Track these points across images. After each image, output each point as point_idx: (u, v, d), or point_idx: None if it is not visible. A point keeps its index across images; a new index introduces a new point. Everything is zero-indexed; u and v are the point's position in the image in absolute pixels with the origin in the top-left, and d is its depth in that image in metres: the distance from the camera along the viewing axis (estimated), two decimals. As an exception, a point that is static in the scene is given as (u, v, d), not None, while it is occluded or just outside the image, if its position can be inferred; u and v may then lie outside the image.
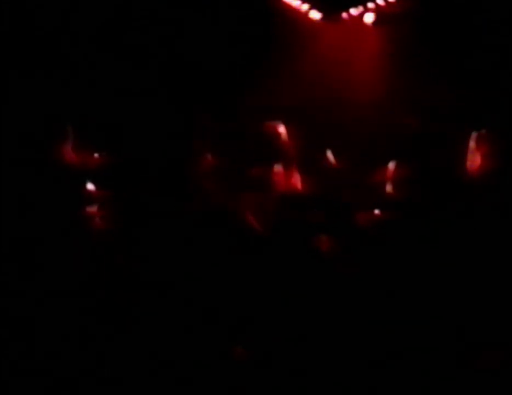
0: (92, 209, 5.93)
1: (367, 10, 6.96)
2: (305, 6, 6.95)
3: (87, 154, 6.08)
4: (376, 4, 6.94)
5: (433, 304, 5.39)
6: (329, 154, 6.26)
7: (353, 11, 6.96)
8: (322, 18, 6.96)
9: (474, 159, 5.86)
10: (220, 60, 6.71)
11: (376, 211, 5.89)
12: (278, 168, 6.10)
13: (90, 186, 6.00)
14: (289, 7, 6.90)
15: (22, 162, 5.97)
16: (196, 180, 6.09)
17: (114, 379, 5.27)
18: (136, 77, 6.53)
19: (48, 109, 6.15)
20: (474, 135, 5.89)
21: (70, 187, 5.96)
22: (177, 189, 6.08)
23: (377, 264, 5.55)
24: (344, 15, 6.95)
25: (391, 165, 5.95)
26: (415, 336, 5.26)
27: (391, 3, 6.87)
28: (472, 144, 5.88)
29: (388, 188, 5.92)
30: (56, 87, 6.27)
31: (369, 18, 6.98)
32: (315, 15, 6.97)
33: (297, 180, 6.02)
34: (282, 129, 6.28)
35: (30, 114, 6.06)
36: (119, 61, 6.49)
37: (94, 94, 6.39)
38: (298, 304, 5.46)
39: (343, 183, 6.06)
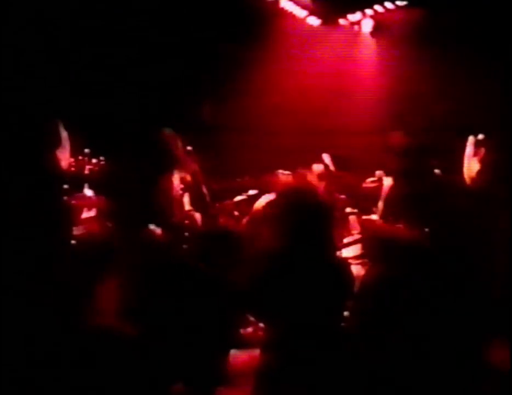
0: (89, 215, 5.92)
1: (365, 16, 6.98)
2: (303, 13, 6.97)
3: (84, 161, 6.07)
4: (375, 11, 6.95)
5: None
6: (326, 160, 6.27)
7: (351, 17, 6.98)
8: (320, 25, 6.98)
9: (471, 165, 5.83)
10: (219, 63, 6.75)
11: (373, 217, 5.89)
12: (275, 174, 6.10)
13: (87, 192, 5.99)
14: (287, 14, 6.91)
15: (18, 168, 5.96)
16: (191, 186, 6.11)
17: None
18: (135, 81, 6.58)
19: (45, 115, 6.16)
20: (471, 140, 5.86)
21: (66, 193, 5.95)
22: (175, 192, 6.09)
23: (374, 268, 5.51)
24: (342, 21, 6.97)
25: (389, 168, 5.94)
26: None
27: (389, 10, 6.88)
28: (469, 149, 5.85)
29: (385, 194, 5.89)
30: (54, 90, 6.29)
31: (367, 25, 7.01)
32: (313, 21, 6.99)
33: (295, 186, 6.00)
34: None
35: (28, 118, 6.06)
36: (117, 64, 6.52)
37: (93, 98, 6.43)
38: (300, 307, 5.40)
39: (339, 189, 6.06)
